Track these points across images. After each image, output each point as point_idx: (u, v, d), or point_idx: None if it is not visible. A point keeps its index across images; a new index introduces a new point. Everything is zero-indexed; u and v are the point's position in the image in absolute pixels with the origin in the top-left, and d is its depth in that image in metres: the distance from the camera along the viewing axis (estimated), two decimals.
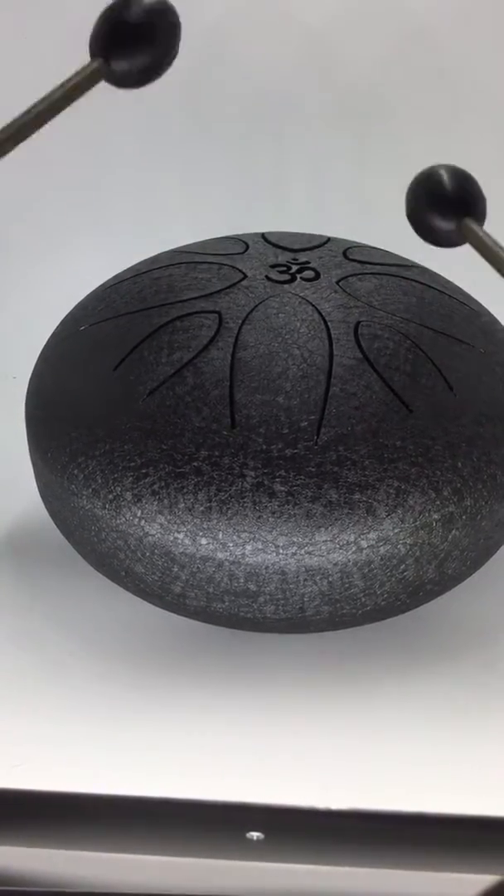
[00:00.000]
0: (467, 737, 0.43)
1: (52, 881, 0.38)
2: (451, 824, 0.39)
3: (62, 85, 0.39)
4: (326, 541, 0.40)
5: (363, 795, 0.40)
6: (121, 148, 0.74)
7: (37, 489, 0.49)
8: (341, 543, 0.41)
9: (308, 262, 0.51)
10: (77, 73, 0.40)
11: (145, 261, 0.53)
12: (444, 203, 0.41)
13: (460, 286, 0.53)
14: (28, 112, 0.39)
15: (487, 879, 0.38)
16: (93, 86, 0.41)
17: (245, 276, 0.49)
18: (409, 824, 0.39)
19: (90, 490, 0.43)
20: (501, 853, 0.39)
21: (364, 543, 0.41)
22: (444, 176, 0.42)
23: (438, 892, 0.39)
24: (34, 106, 0.39)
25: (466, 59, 0.72)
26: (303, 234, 0.54)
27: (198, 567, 0.41)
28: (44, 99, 0.39)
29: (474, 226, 0.40)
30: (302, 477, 0.41)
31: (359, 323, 0.46)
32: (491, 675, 0.46)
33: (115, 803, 0.40)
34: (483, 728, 0.43)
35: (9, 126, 0.38)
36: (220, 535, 0.41)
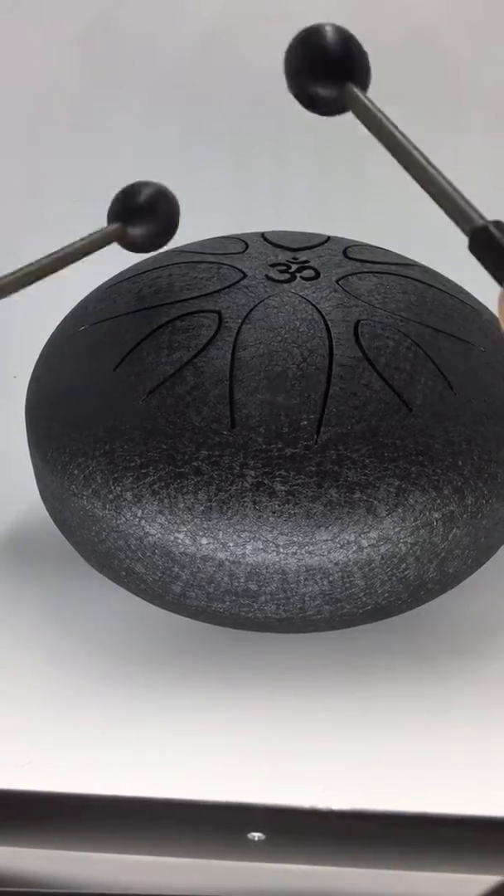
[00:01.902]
0: (468, 736, 0.43)
1: (52, 881, 0.38)
2: (452, 824, 0.39)
3: (79, 240, 0.45)
4: (327, 540, 0.40)
5: (364, 796, 0.40)
6: (120, 147, 0.75)
7: (37, 489, 0.49)
8: (342, 543, 0.40)
9: (308, 262, 0.50)
10: (96, 232, 0.46)
11: (145, 260, 0.53)
12: (326, 67, 0.36)
13: (460, 285, 0.53)
14: (39, 261, 0.43)
15: (488, 880, 0.38)
16: (107, 245, 0.48)
17: (245, 276, 0.49)
18: (409, 824, 0.39)
19: (90, 490, 0.43)
20: (502, 853, 0.39)
21: (365, 542, 0.41)
22: (327, 36, 0.37)
23: (439, 893, 0.39)
24: (47, 256, 0.44)
25: (467, 58, 0.72)
26: (302, 234, 0.54)
27: (198, 567, 0.41)
28: (58, 251, 0.44)
29: (357, 91, 0.35)
30: (302, 476, 0.41)
31: (359, 322, 0.46)
32: (492, 674, 0.45)
33: (115, 803, 0.40)
34: (484, 727, 0.43)
35: (18, 271, 0.42)
36: (221, 535, 0.41)
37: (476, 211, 0.29)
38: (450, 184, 0.31)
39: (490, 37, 0.72)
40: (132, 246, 0.48)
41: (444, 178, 0.31)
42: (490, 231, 0.28)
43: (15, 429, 0.50)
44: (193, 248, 0.53)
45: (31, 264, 0.42)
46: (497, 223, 0.29)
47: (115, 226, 0.46)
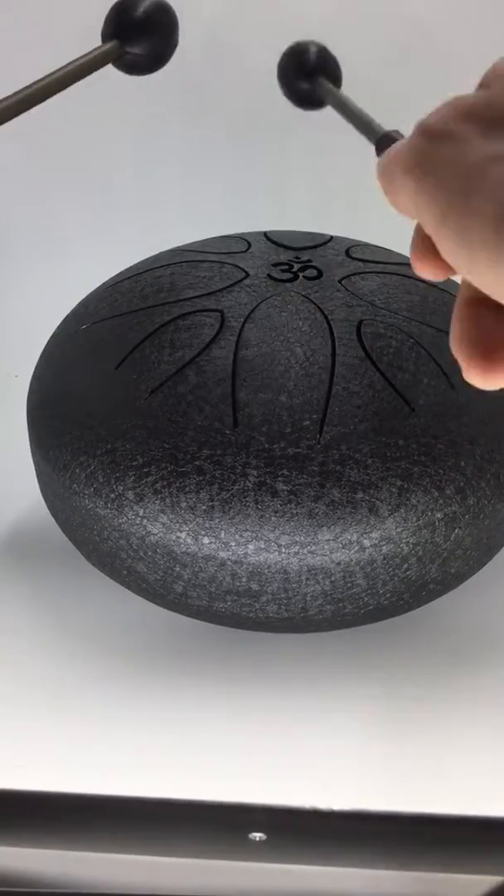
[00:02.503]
0: (469, 737, 0.43)
1: (52, 881, 0.38)
2: (452, 824, 0.39)
3: (76, 60, 0.43)
4: (329, 540, 0.40)
5: (364, 796, 0.40)
6: (122, 147, 0.74)
7: (38, 488, 0.49)
8: (344, 543, 0.40)
9: (310, 261, 0.50)
10: (92, 52, 0.43)
11: (147, 260, 0.53)
12: (302, 68, 0.51)
13: None
14: (37, 83, 0.41)
15: (488, 880, 0.38)
16: (103, 65, 0.45)
17: (247, 275, 0.49)
18: (409, 824, 0.39)
19: (92, 489, 0.43)
20: (502, 853, 0.39)
21: (367, 542, 0.41)
22: (305, 49, 0.51)
23: (439, 893, 0.39)
24: (44, 77, 0.41)
25: (467, 56, 0.72)
26: (305, 233, 0.54)
27: (200, 566, 0.41)
28: (56, 71, 0.42)
29: (328, 84, 0.50)
30: (304, 476, 0.41)
31: (361, 322, 0.46)
32: (493, 674, 0.45)
33: (115, 803, 0.40)
34: (484, 728, 0.43)
35: (15, 94, 0.39)
36: (223, 535, 0.40)
37: (377, 124, 0.43)
38: (356, 106, 0.45)
39: (490, 36, 0.72)
40: (129, 66, 0.45)
41: (351, 102, 0.46)
42: (391, 136, 0.41)
43: (16, 428, 0.50)
44: (196, 248, 0.53)
45: (26, 88, 0.40)
46: (395, 132, 0.42)
47: (111, 44, 0.44)
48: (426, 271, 0.25)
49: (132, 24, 0.44)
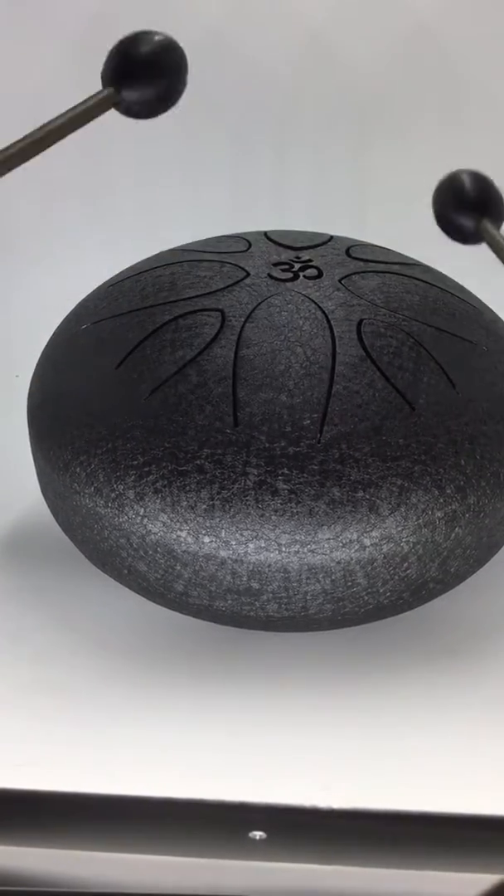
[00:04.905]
0: (469, 735, 0.43)
1: (52, 881, 0.38)
2: (452, 824, 0.39)
3: (72, 109, 0.41)
4: (329, 539, 0.40)
5: (365, 795, 0.40)
6: (122, 146, 0.74)
7: (38, 487, 0.49)
8: (344, 541, 0.40)
9: (311, 261, 0.50)
10: (88, 100, 0.41)
11: (147, 259, 0.53)
12: (464, 203, 0.47)
13: (463, 284, 0.53)
14: (34, 133, 0.39)
15: (488, 879, 0.38)
16: (102, 113, 0.42)
17: (248, 275, 0.49)
18: (409, 824, 0.39)
19: (92, 488, 0.43)
20: (501, 853, 0.39)
21: (367, 541, 0.41)
22: (466, 179, 0.47)
23: (438, 892, 0.38)
24: (41, 127, 0.40)
25: (468, 56, 0.72)
26: (305, 233, 0.54)
27: (200, 565, 0.41)
28: (52, 122, 0.40)
29: (490, 226, 0.45)
30: (305, 475, 0.41)
31: (361, 321, 0.46)
32: (493, 673, 0.45)
33: (115, 803, 0.40)
34: (485, 727, 0.43)
35: (12, 146, 0.39)
36: (223, 534, 0.41)
37: None
38: None
39: (492, 36, 0.72)
40: (129, 112, 0.42)
41: None
42: None
43: (17, 427, 0.50)
44: (196, 247, 0.53)
45: (19, 141, 0.38)
46: None
47: (108, 91, 0.41)
48: None
49: (132, 69, 0.41)
